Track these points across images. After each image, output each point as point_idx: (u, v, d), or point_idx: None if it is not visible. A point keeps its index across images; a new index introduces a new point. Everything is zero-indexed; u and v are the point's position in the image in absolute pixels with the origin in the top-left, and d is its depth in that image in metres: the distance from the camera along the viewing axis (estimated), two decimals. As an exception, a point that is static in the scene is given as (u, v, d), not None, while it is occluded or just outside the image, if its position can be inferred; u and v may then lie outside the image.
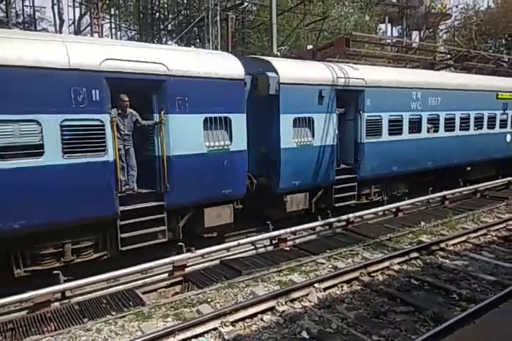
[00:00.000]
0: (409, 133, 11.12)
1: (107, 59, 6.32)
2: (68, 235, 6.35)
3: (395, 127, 10.74)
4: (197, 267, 7.09)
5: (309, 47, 14.27)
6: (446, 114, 12.05)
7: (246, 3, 23.10)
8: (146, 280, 6.57)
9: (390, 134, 10.64)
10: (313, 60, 10.70)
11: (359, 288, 6.14)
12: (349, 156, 10.36)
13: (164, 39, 25.97)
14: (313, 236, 8.81)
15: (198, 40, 25.83)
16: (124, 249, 6.76)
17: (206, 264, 7.23)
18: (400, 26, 35.04)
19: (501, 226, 9.06)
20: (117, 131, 6.67)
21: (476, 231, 8.57)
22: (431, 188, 11.83)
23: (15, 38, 5.86)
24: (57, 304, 5.78)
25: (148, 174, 7.19)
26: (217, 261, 7.34)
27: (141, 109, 7.09)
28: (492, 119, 13.84)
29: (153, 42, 21.63)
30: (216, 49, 16.83)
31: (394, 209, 10.43)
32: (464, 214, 10.17)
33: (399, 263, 6.94)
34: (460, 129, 12.59)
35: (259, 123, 8.72)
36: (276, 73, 8.54)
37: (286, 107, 8.69)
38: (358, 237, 8.56)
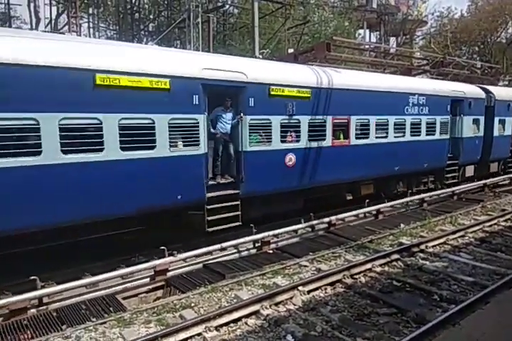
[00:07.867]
0: None
1: None
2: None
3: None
4: (179, 271, 6.96)
5: (290, 50, 14.41)
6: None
7: (227, 6, 23.16)
8: (126, 285, 6.40)
9: None
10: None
11: (342, 290, 6.16)
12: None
13: (145, 40, 25.69)
14: (296, 239, 8.80)
15: (178, 42, 25.69)
16: None
17: (189, 268, 7.10)
18: (377, 32, 35.83)
19: (478, 228, 9.30)
20: None
21: (454, 233, 8.77)
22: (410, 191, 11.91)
23: None
24: (34, 311, 5.54)
25: None
26: (200, 265, 7.23)
27: None
28: None
29: (133, 42, 21.34)
30: (197, 50, 16.72)
31: (374, 212, 10.57)
32: (441, 217, 10.40)
33: (381, 265, 7.01)
34: None
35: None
36: None
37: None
38: (340, 239, 8.63)
